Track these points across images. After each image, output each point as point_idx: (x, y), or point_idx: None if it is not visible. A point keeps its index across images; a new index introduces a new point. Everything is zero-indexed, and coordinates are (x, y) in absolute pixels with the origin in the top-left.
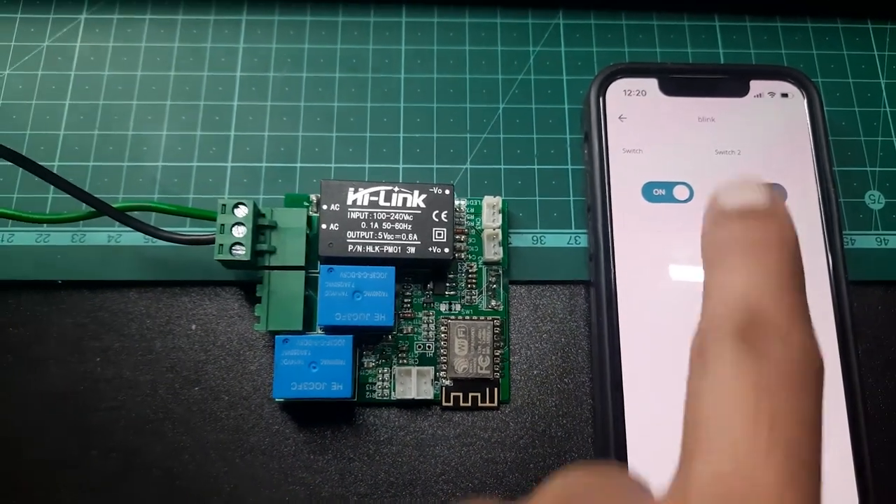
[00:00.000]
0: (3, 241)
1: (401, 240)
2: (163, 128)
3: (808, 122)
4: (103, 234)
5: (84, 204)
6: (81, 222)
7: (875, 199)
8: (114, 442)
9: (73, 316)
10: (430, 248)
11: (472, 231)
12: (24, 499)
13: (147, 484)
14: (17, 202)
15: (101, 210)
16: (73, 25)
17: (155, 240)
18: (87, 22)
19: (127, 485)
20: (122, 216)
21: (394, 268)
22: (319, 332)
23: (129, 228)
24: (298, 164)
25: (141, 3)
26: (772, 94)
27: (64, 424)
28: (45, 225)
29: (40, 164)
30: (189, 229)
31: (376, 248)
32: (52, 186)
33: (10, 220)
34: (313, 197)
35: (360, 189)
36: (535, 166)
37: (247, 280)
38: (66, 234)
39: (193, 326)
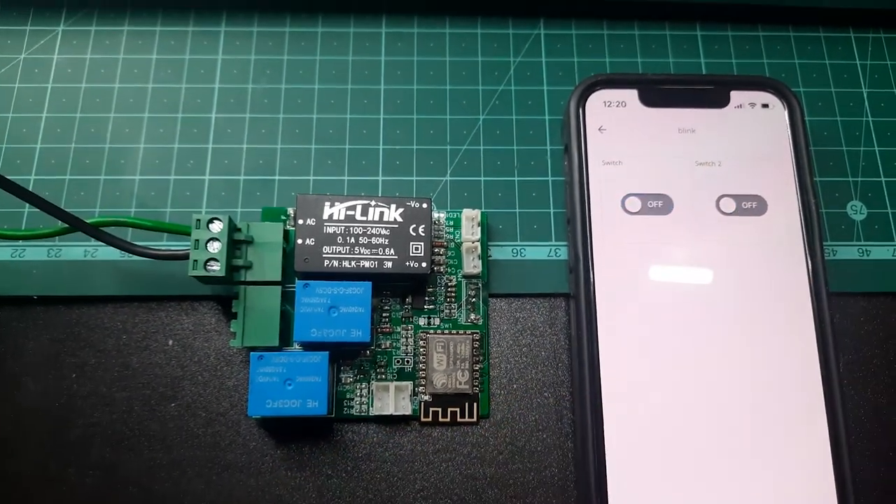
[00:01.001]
0: None
1: (378, 254)
2: (140, 140)
3: (790, 132)
4: (79, 249)
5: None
6: (57, 237)
7: (857, 210)
8: (90, 459)
9: (49, 332)
10: (407, 263)
11: (451, 244)
12: None
13: (124, 501)
14: None
15: (74, 226)
16: (51, 37)
17: (131, 255)
18: (64, 34)
19: (104, 502)
20: (96, 232)
21: (370, 283)
22: (296, 347)
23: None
24: (277, 177)
25: (118, 15)
26: (752, 104)
27: (40, 441)
28: (20, 241)
29: (15, 178)
30: (166, 243)
31: (353, 262)
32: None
33: None
34: (291, 211)
35: (336, 203)
36: (516, 178)
37: (224, 295)
38: (42, 249)
39: (170, 342)
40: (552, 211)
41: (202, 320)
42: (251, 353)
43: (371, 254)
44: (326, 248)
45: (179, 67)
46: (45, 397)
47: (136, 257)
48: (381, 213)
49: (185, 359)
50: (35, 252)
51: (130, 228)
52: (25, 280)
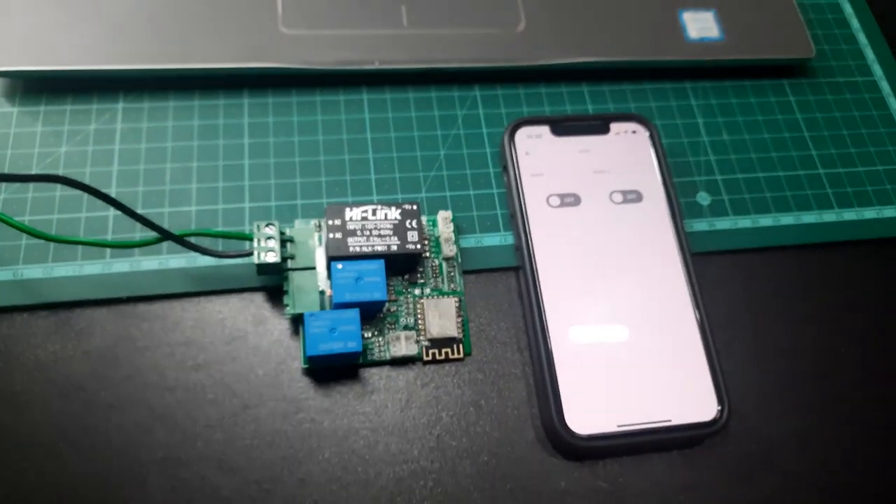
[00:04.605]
0: (77, 271)
1: (386, 241)
2: (192, 182)
3: (652, 149)
4: (154, 261)
5: (152, 232)
6: (137, 251)
7: (704, 199)
8: (159, 411)
9: (136, 324)
10: (406, 245)
11: (433, 237)
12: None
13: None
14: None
15: (165, 236)
16: (112, 112)
17: (196, 260)
18: (124, 109)
19: (189, 437)
20: (181, 240)
21: (383, 260)
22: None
23: (180, 253)
24: (299, 202)
25: (164, 94)
26: (626, 131)
27: (143, 404)
28: (108, 253)
29: (98, 214)
30: None
31: (369, 248)
32: (112, 215)
33: (83, 248)
34: (314, 221)
35: (354, 208)
36: (471, 192)
37: (271, 286)
38: (126, 262)
39: (230, 324)
40: (499, 211)
41: (258, 307)
42: (304, 313)
43: (381, 241)
44: (350, 239)
45: (215, 129)
46: (140, 371)
47: (200, 264)
48: (385, 214)
49: (240, 334)
50: (120, 265)
51: (205, 238)
52: (113, 287)
